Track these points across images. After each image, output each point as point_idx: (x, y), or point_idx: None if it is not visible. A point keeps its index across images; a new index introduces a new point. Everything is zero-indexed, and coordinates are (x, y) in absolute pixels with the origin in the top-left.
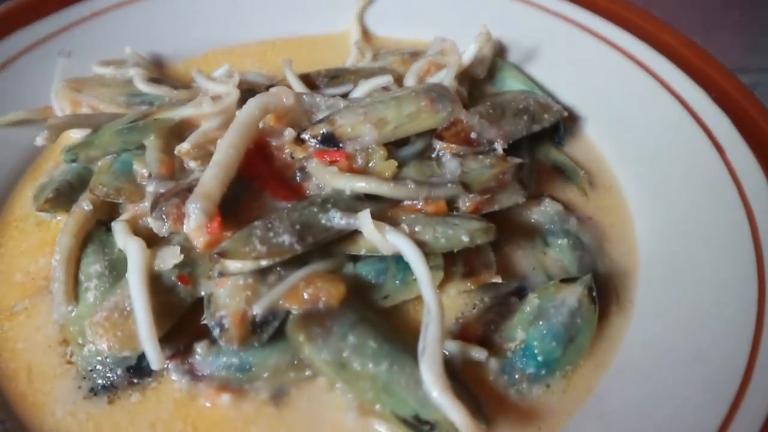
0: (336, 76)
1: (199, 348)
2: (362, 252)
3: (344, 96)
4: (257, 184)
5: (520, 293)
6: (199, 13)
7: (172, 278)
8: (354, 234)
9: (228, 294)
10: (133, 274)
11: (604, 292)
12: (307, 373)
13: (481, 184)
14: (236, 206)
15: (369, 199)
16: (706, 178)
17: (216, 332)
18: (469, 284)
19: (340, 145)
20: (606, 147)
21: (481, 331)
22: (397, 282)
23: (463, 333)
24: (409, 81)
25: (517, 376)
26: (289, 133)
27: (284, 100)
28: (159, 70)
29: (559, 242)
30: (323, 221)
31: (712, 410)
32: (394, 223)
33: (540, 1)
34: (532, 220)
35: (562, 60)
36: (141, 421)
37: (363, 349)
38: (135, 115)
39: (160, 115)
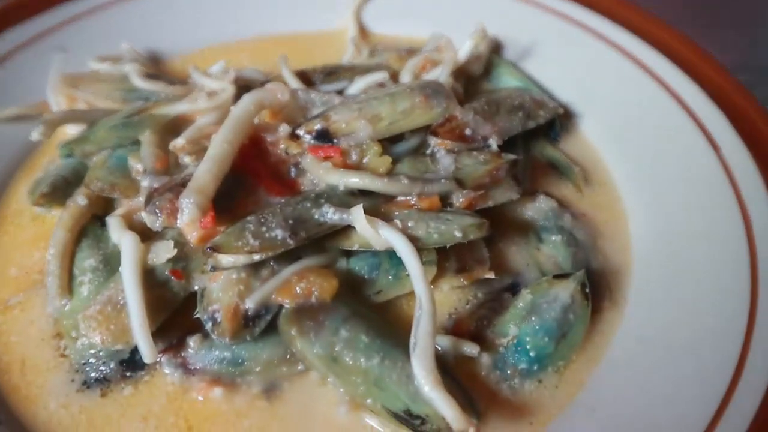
0: (332, 73)
1: (192, 342)
2: (355, 247)
3: (340, 93)
4: (251, 180)
5: (514, 289)
6: (196, 10)
7: (166, 272)
8: (347, 229)
9: (221, 288)
10: (126, 268)
11: (598, 288)
12: (299, 368)
13: (474, 180)
14: (230, 201)
15: (363, 194)
16: (701, 175)
17: (209, 326)
18: (462, 280)
19: (335, 141)
20: (601, 144)
21: (473, 326)
22: (390, 277)
23: (455, 328)
24: (405, 78)
25: (509, 372)
26: (284, 128)
27: (279, 96)
28: (155, 67)
29: (553, 238)
30: (316, 216)
31: (704, 405)
32: (388, 219)
33: None
34: (526, 217)
35: (558, 57)
36: (133, 414)
37: (355, 344)
38: (130, 110)
39: (155, 111)
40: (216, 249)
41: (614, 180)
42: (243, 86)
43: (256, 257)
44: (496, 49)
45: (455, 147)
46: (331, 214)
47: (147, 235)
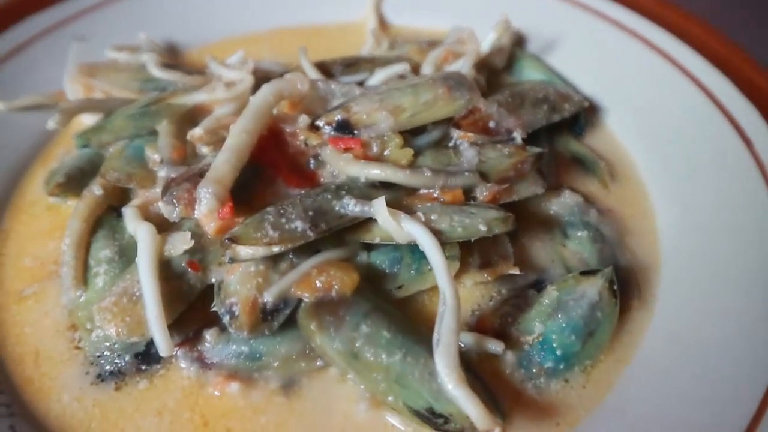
0: (352, 64)
1: (209, 335)
2: (376, 240)
3: (360, 84)
4: (270, 171)
5: (538, 286)
6: (214, 1)
7: (183, 264)
8: (368, 222)
9: (239, 281)
10: (142, 259)
11: (625, 285)
12: (318, 363)
13: (499, 174)
14: (248, 193)
15: (384, 186)
16: (732, 169)
17: (226, 319)
18: (485, 275)
19: (355, 132)
20: (627, 138)
21: (497, 323)
22: (412, 272)
23: (479, 325)
24: (426, 69)
25: (534, 370)
26: (304, 119)
27: (299, 86)
28: (173, 57)
29: (579, 234)
30: (337, 208)
31: (739, 409)
32: (410, 212)
33: None
34: (551, 212)
35: (583, 50)
36: (148, 408)
37: (376, 340)
38: (148, 100)
39: (172, 101)
40: (234, 240)
41: (641, 175)
42: (261, 77)
43: (276, 249)
44: (518, 42)
45: (478, 140)
46: (352, 206)
47: (163, 227)
